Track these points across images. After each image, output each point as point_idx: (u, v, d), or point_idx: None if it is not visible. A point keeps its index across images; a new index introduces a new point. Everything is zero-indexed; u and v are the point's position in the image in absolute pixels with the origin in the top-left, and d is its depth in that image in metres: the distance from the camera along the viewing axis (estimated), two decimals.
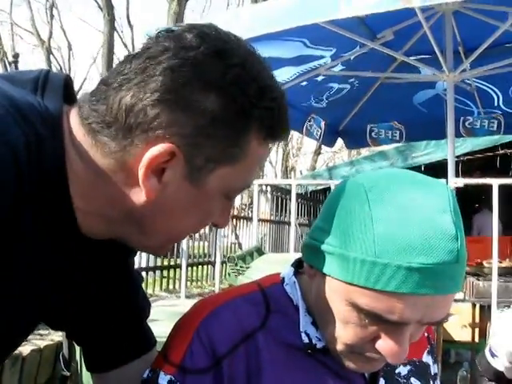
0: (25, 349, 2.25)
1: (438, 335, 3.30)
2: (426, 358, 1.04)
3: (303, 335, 0.91)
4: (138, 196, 0.79)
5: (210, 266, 8.12)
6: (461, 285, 0.80)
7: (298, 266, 0.99)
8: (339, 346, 0.87)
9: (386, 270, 0.76)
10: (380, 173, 0.88)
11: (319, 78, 5.14)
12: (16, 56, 3.04)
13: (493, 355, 1.76)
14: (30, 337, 2.25)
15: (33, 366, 2.26)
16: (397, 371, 0.98)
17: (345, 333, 0.84)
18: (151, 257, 6.60)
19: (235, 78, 0.78)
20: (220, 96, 0.77)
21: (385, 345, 0.82)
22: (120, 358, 1.03)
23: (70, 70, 21.39)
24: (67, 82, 0.85)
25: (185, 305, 3.07)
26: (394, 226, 0.77)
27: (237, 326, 0.89)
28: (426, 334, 1.06)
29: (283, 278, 0.98)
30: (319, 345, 0.91)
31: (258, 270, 3.32)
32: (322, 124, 5.95)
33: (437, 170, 6.04)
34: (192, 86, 0.76)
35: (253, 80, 0.80)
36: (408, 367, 0.99)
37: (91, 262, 0.91)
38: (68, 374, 2.33)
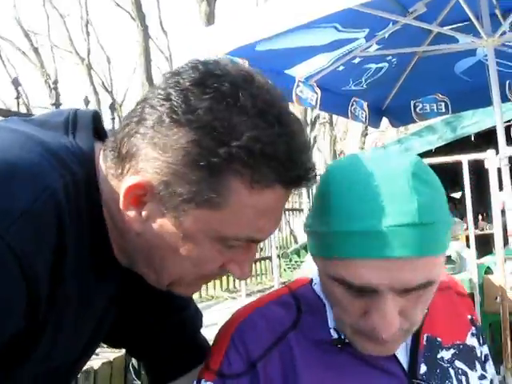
0: (96, 363, 2.33)
1: (503, 308, 3.23)
2: (471, 341, 1.04)
3: (332, 331, 0.93)
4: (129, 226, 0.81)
5: (268, 261, 8.16)
6: (429, 247, 0.80)
7: None
8: (345, 328, 0.90)
9: (341, 237, 0.81)
10: (347, 156, 0.91)
11: (356, 61, 5.08)
12: (55, 82, 3.14)
13: None
14: (99, 350, 2.32)
15: (105, 378, 2.34)
16: (439, 356, 0.98)
17: (341, 312, 0.87)
18: None
19: (207, 113, 0.74)
20: (190, 132, 0.74)
21: (371, 317, 0.83)
22: (176, 370, 1.07)
23: (111, 82, 21.78)
24: (95, 118, 0.89)
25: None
26: (349, 196, 0.81)
27: (268, 330, 0.93)
28: (469, 317, 1.06)
29: (312, 279, 1.01)
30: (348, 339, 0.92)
31: (313, 263, 3.33)
32: (365, 106, 5.90)
33: (487, 137, 5.90)
34: (165, 121, 0.75)
35: (231, 115, 0.74)
36: (452, 351, 0.99)
37: (135, 287, 0.95)
38: (139, 382, 2.40)
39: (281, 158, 0.76)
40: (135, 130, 0.78)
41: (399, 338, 0.88)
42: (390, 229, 0.77)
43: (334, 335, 0.93)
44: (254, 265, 8.40)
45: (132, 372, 2.37)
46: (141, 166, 0.77)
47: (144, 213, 0.79)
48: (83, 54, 19.86)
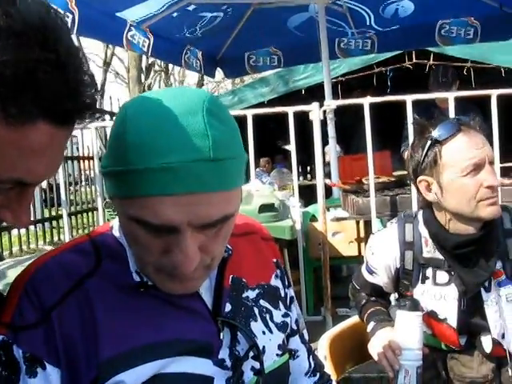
0: None
1: (324, 253, 3.43)
2: (275, 282, 1.09)
3: (134, 275, 0.91)
4: None
5: (95, 213, 7.92)
6: (224, 183, 0.81)
7: None
8: (147, 268, 0.88)
9: (138, 175, 0.78)
10: (143, 94, 0.89)
11: (190, 8, 4.98)
12: None
13: (371, 272, 1.84)
14: None
15: None
16: (244, 295, 1.01)
17: (142, 251, 0.86)
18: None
19: None
20: None
21: (172, 255, 0.83)
22: None
23: None
24: None
25: None
26: (144, 133, 0.78)
27: (64, 277, 0.90)
28: (274, 260, 1.12)
29: (112, 225, 0.98)
30: (150, 281, 0.91)
31: None
32: (199, 55, 5.85)
33: (316, 92, 6.13)
34: None
35: None
36: (256, 291, 1.04)
37: None
38: None
39: (41, 88, 0.65)
40: None
41: (201, 274, 0.89)
42: (185, 165, 0.77)
43: (137, 279, 0.91)
44: (80, 217, 8.12)
45: None
46: None
47: None
48: None
